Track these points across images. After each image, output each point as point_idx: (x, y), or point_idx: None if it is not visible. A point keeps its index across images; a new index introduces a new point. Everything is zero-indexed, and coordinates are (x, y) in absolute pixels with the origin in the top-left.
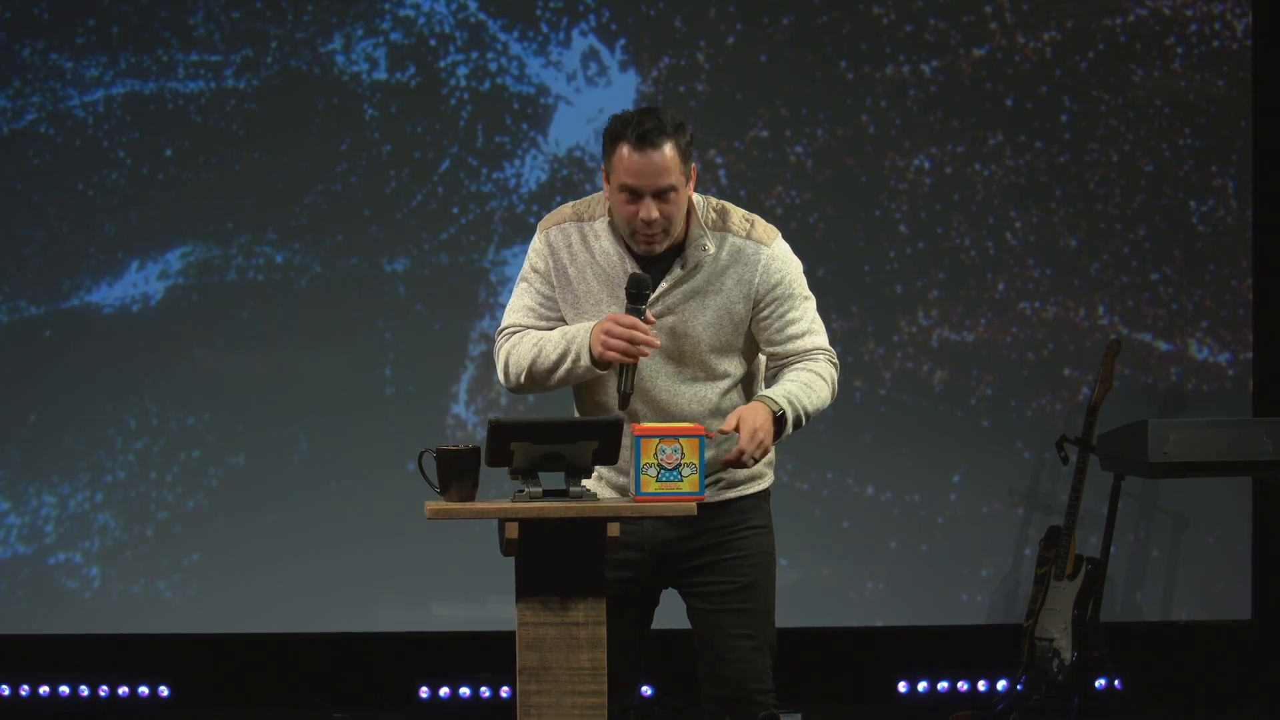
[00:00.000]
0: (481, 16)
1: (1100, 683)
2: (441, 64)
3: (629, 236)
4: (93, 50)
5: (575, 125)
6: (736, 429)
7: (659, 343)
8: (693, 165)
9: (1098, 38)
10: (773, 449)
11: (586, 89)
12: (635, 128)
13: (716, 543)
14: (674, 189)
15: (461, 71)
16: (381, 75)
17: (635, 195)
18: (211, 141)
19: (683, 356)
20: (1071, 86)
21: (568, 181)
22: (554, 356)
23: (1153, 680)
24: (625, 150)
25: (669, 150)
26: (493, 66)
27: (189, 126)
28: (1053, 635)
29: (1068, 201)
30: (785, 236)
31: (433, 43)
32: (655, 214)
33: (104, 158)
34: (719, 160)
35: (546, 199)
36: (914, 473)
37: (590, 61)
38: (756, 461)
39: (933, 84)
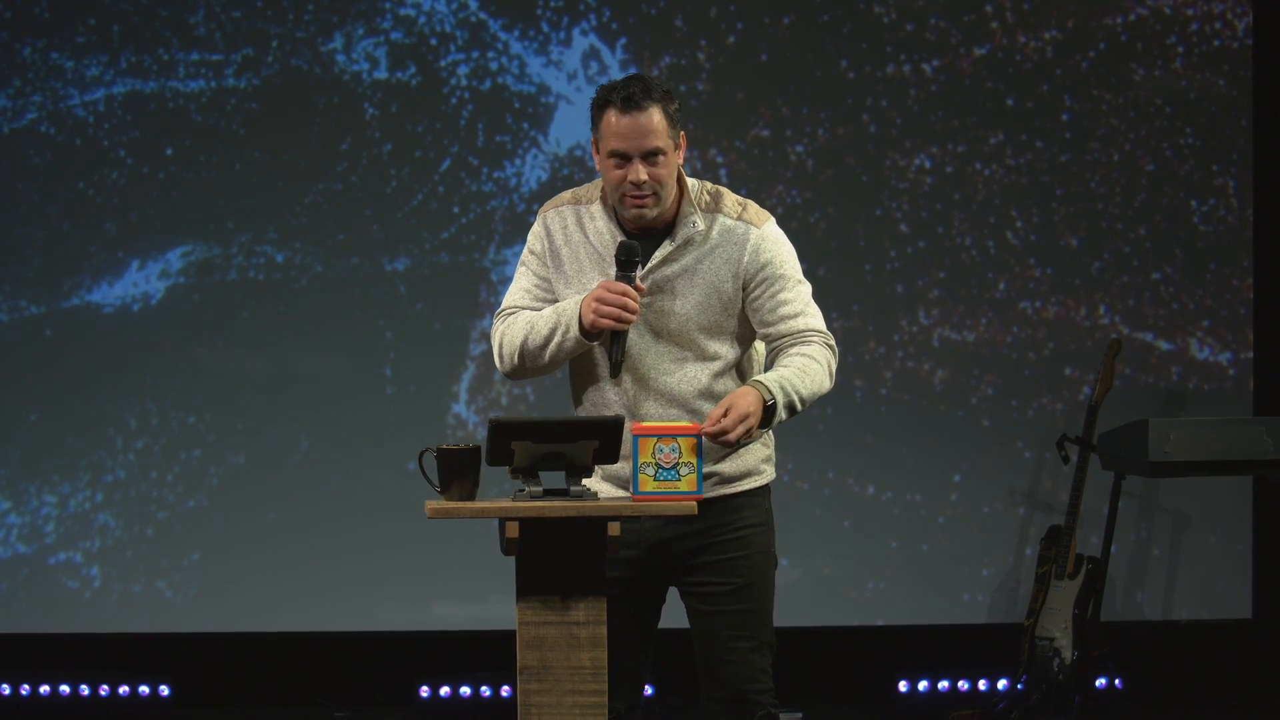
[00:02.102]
0: (482, 16)
1: (1101, 682)
2: (442, 63)
3: (618, 203)
4: (93, 49)
5: (576, 124)
6: (725, 415)
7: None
8: (681, 133)
9: (1098, 37)
10: (771, 446)
11: (587, 88)
12: (621, 91)
13: (713, 542)
14: (662, 152)
15: (462, 71)
16: (382, 74)
17: (624, 159)
18: (212, 141)
19: (671, 335)
20: (1072, 86)
21: (569, 181)
22: (545, 332)
23: (1153, 680)
24: (612, 115)
25: (656, 113)
26: (493, 66)
27: (189, 126)
28: (1053, 634)
29: (1068, 201)
30: (786, 235)
31: (433, 42)
32: (644, 176)
33: (104, 157)
34: (720, 159)
35: (547, 198)
36: (915, 472)
37: (591, 61)
38: (737, 441)
39: (933, 83)
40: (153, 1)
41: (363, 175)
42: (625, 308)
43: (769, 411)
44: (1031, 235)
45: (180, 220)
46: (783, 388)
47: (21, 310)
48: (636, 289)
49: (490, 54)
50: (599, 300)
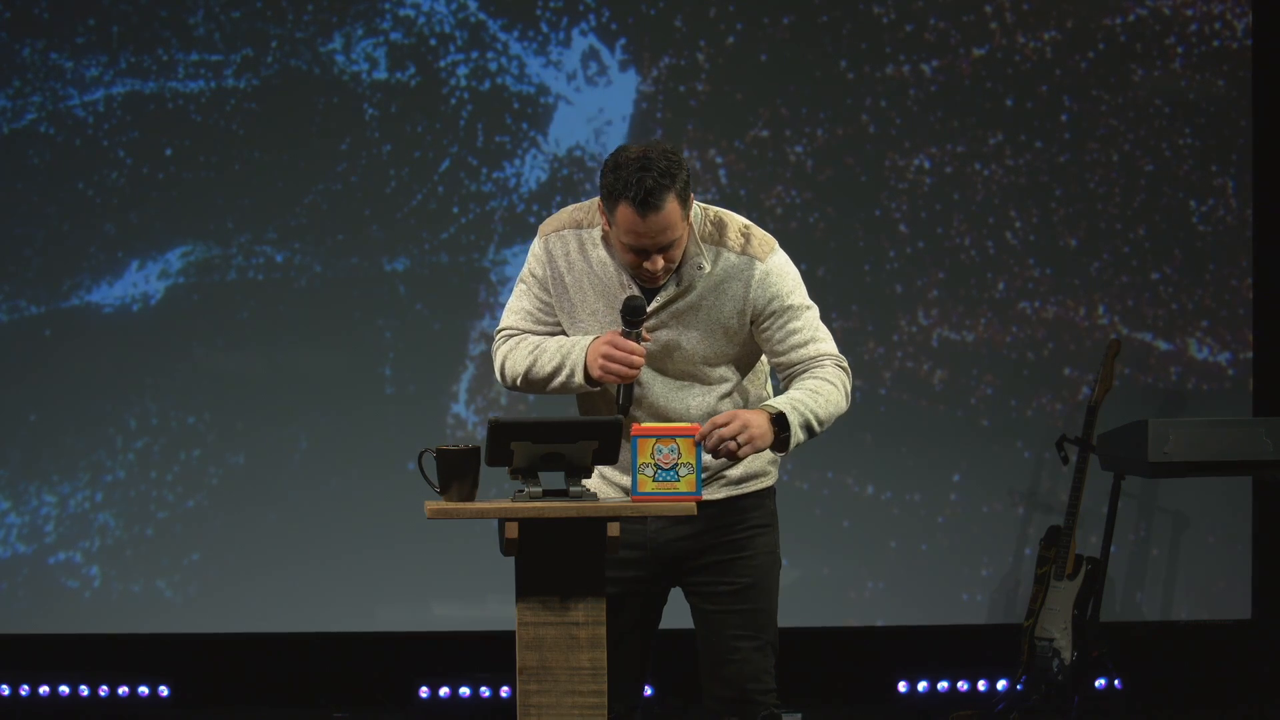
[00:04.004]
0: (481, 16)
1: (1100, 682)
2: (441, 64)
3: (630, 277)
4: (93, 50)
5: (575, 125)
6: (727, 424)
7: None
8: (690, 196)
9: (1098, 37)
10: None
11: (586, 89)
12: (636, 189)
13: (719, 543)
14: (677, 240)
15: (461, 71)
16: (381, 75)
17: (641, 252)
18: (211, 141)
19: (676, 368)
20: (1071, 86)
21: (568, 181)
22: (549, 369)
23: (1153, 680)
24: (627, 210)
25: (671, 204)
26: (493, 66)
27: (189, 126)
28: (1053, 635)
29: (1068, 201)
30: (785, 236)
31: (433, 42)
32: (660, 266)
33: (104, 157)
34: (719, 160)
35: (546, 198)
36: (914, 472)
37: (590, 61)
38: (730, 450)
39: (933, 84)
40: (152, 2)
41: (362, 175)
42: (632, 365)
43: (780, 425)
44: (1030, 235)
45: (180, 220)
46: (794, 407)
47: (21, 310)
48: (643, 340)
49: (490, 54)
50: (606, 357)
